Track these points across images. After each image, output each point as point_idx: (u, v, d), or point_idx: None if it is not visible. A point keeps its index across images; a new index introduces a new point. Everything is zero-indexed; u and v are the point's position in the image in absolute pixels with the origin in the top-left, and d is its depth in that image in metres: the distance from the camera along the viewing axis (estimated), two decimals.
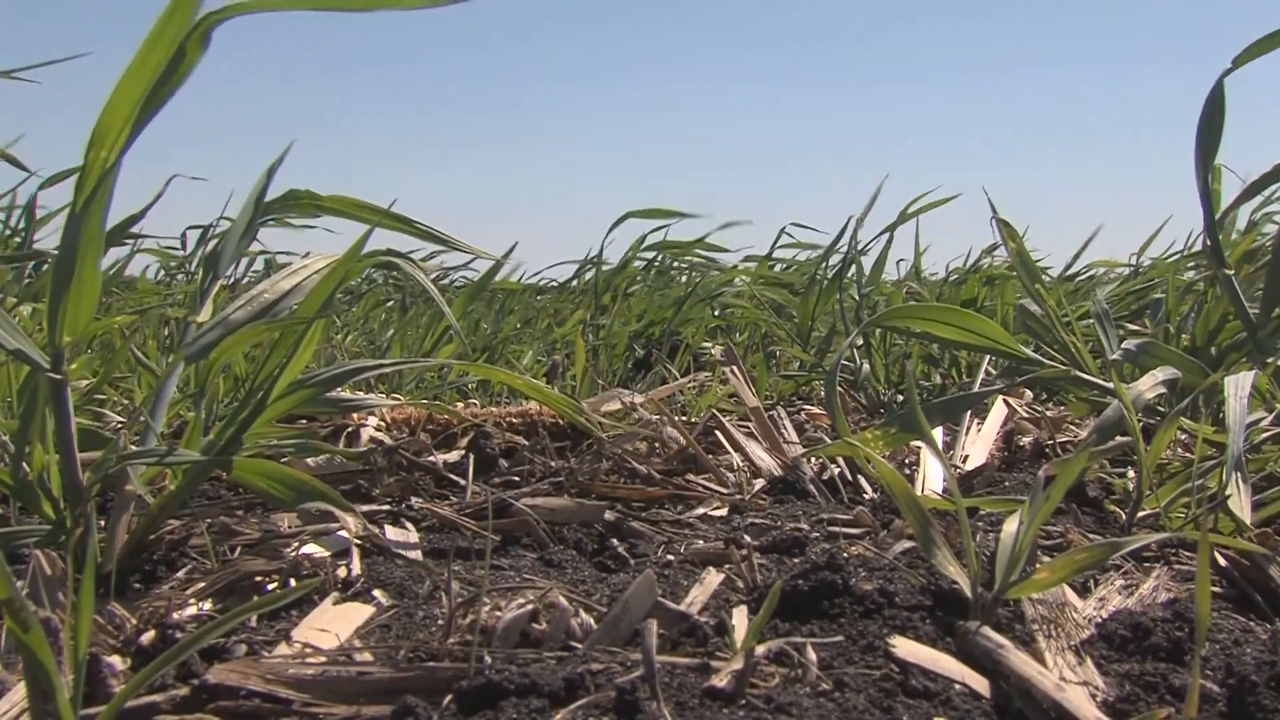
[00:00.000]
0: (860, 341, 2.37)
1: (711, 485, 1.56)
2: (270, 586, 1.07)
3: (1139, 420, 1.39)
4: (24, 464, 1.10)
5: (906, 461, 1.75)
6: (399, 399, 1.97)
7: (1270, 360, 1.77)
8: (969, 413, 1.82)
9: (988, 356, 2.16)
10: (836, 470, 1.64)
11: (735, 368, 1.98)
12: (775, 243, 4.00)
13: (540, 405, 1.78)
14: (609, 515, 1.32)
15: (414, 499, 1.40)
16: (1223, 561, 1.20)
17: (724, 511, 1.45)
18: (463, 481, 1.49)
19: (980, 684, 0.87)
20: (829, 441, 1.72)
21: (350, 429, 1.70)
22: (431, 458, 1.57)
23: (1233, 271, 1.90)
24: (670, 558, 1.23)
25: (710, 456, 1.66)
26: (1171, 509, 1.37)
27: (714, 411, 1.84)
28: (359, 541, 1.19)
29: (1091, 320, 1.95)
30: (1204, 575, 0.74)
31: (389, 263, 1.62)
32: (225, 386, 1.76)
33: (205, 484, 1.42)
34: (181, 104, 0.99)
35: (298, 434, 1.45)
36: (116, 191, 1.01)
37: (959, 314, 1.63)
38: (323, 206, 1.43)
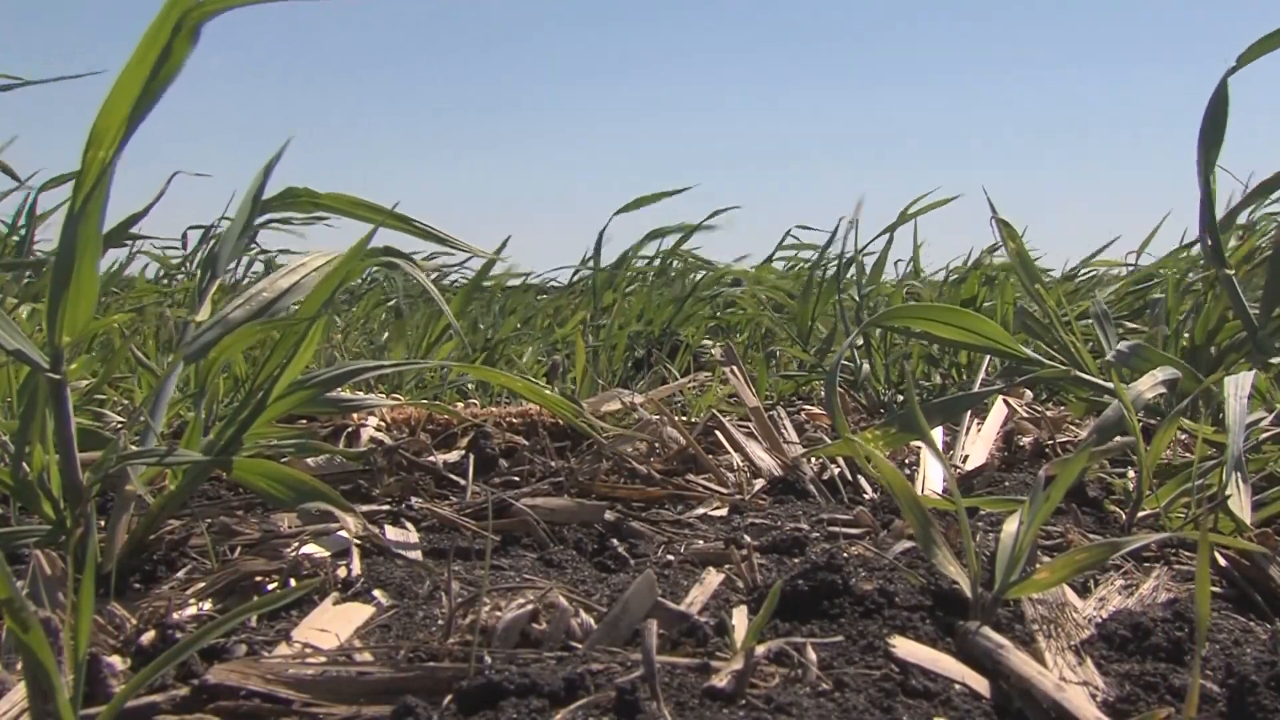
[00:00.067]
0: (860, 341, 2.37)
1: (711, 485, 1.56)
2: (270, 586, 1.07)
3: (1139, 420, 1.39)
4: (24, 464, 1.10)
5: (906, 461, 1.75)
6: (399, 399, 1.97)
7: (1271, 361, 1.77)
8: (969, 413, 1.82)
9: (988, 356, 2.16)
10: (836, 470, 1.64)
11: (735, 368, 1.98)
12: (780, 244, 4.00)
13: (540, 405, 1.78)
14: (609, 515, 1.32)
15: (414, 499, 1.40)
16: (1223, 561, 1.20)
17: (724, 511, 1.45)
18: (463, 481, 1.49)
19: (980, 684, 0.87)
20: (829, 441, 1.72)
21: (350, 429, 1.71)
22: (431, 458, 1.57)
23: (1233, 271, 1.90)
24: (670, 558, 1.23)
25: (710, 456, 1.66)
26: (1171, 509, 1.37)
27: (714, 411, 1.84)
28: (359, 541, 1.19)
29: (1091, 320, 1.95)
30: (1204, 575, 0.74)
31: (389, 262, 1.62)
32: (225, 386, 1.76)
33: (205, 484, 1.42)
34: (184, 104, 1.00)
35: (298, 434, 1.46)
36: (117, 192, 1.01)
37: (959, 314, 1.63)
38: (320, 204, 1.43)
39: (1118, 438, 1.45)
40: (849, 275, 2.82)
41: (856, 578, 1.03)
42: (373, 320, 3.53)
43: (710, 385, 2.16)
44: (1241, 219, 2.62)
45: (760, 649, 0.87)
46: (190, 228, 3.72)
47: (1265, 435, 1.49)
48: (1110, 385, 1.57)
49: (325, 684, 0.82)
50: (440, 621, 0.99)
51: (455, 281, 4.19)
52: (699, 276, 3.62)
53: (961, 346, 2.02)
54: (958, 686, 0.86)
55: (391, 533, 1.23)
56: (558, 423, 1.79)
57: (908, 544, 1.19)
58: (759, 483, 1.59)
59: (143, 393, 1.72)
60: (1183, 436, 1.79)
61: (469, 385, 2.30)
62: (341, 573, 1.10)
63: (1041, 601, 1.01)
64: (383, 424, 1.74)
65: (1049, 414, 2.01)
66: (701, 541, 1.29)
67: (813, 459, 1.66)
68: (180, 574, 1.11)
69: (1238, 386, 1.38)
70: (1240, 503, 1.23)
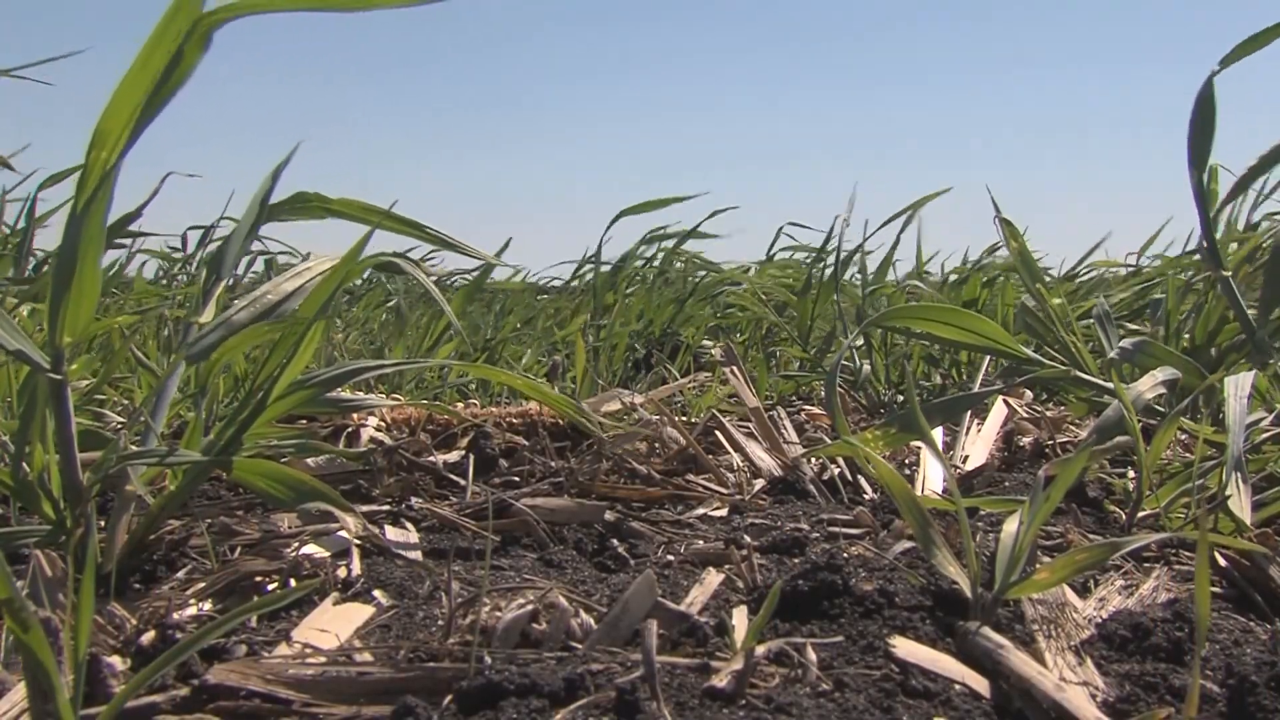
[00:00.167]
0: (860, 341, 2.37)
1: (711, 485, 1.56)
2: (270, 587, 1.07)
3: (1139, 420, 1.39)
4: (24, 464, 1.10)
5: (906, 461, 1.75)
6: (399, 399, 1.97)
7: (1270, 361, 1.77)
8: (969, 413, 1.82)
9: (988, 357, 2.16)
10: (836, 470, 1.64)
11: (735, 368, 1.98)
12: (774, 243, 4.01)
13: (540, 405, 1.78)
14: (609, 515, 1.33)
15: (414, 499, 1.40)
16: (1223, 561, 1.20)
17: (724, 512, 1.45)
18: (463, 481, 1.49)
19: (980, 684, 0.87)
20: (829, 441, 1.72)
21: (350, 429, 1.71)
22: (431, 458, 1.57)
23: (1230, 273, 1.90)
24: (670, 558, 1.23)
25: (710, 456, 1.66)
26: (1171, 509, 1.37)
27: (714, 411, 1.84)
28: (359, 542, 1.19)
29: (1092, 320, 1.95)
30: (1204, 575, 0.74)
31: (391, 263, 1.62)
32: (225, 387, 1.76)
33: (205, 484, 1.42)
34: (187, 104, 0.99)
35: (298, 434, 1.46)
36: (120, 192, 1.01)
37: (959, 314, 1.63)
38: (331, 209, 1.43)
39: (1118, 438, 1.45)
40: (848, 275, 2.82)
41: (856, 578, 1.03)
42: (373, 320, 3.53)
43: (710, 385, 2.16)
44: (1242, 220, 2.62)
45: (760, 649, 0.87)
46: (190, 228, 3.72)
47: (1265, 435, 1.49)
48: (1110, 385, 1.57)
49: (325, 684, 0.82)
50: (440, 621, 0.99)
51: (454, 282, 4.19)
52: (700, 277, 3.62)
53: (962, 347, 2.02)
54: (958, 686, 0.86)
55: (391, 533, 1.23)
56: (558, 423, 1.79)
57: (908, 544, 1.19)
58: (759, 483, 1.59)
59: (143, 393, 1.72)
60: (1183, 436, 1.79)
61: (469, 385, 2.30)
62: (341, 573, 1.10)
63: (1041, 601, 1.01)
64: (383, 424, 1.74)
65: (1049, 414, 2.01)
66: (701, 541, 1.29)
67: (813, 459, 1.66)
68: (180, 574, 1.11)
69: (1238, 387, 1.38)
70: (1240, 503, 1.23)
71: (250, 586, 1.07)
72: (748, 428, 1.81)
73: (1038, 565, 1.00)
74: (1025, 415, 1.99)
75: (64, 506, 1.09)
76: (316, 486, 1.15)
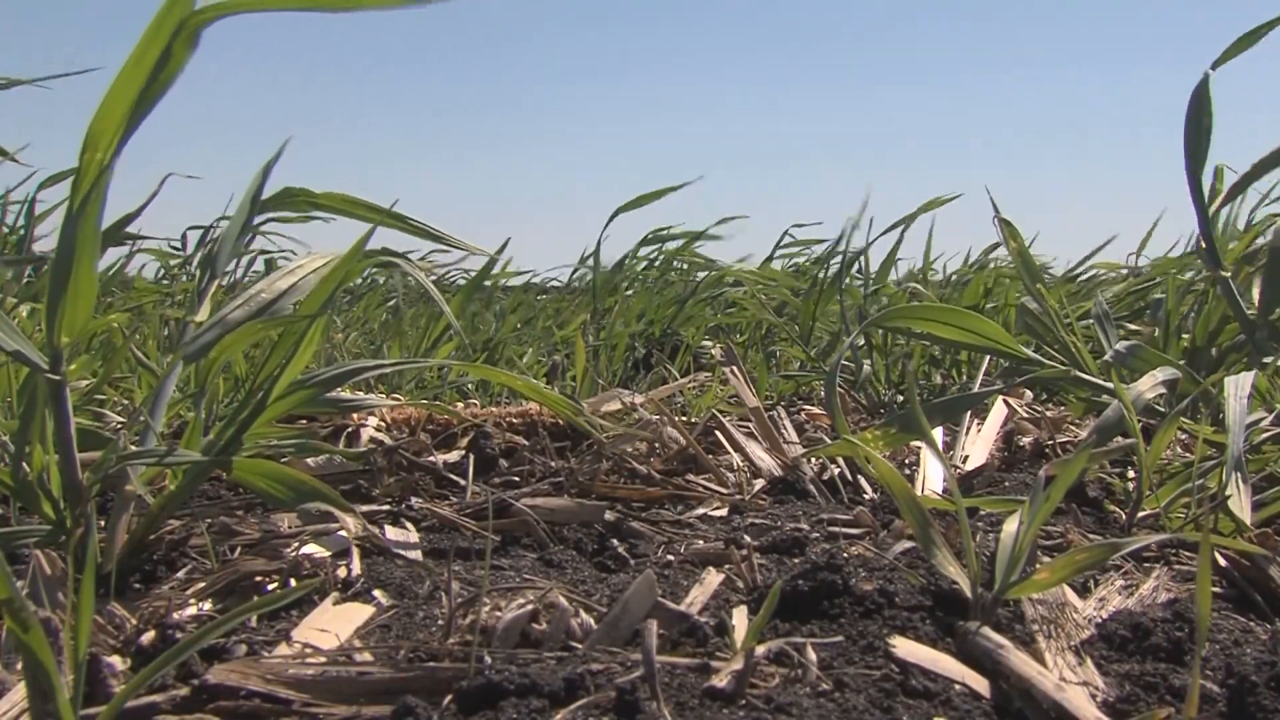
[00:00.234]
0: (861, 341, 2.37)
1: (711, 485, 1.56)
2: (270, 586, 1.07)
3: (1139, 420, 1.39)
4: (24, 464, 1.10)
5: (906, 461, 1.75)
6: (399, 399, 1.97)
7: (1269, 361, 1.77)
8: (969, 413, 1.82)
9: (988, 357, 2.16)
10: (836, 470, 1.64)
11: (735, 368, 1.98)
12: (778, 244, 4.00)
13: (540, 405, 1.78)
14: (609, 515, 1.32)
15: (414, 499, 1.40)
16: (1223, 561, 1.20)
17: (724, 511, 1.45)
18: (463, 481, 1.49)
19: (980, 684, 0.87)
20: (829, 441, 1.72)
21: (350, 429, 1.71)
22: (431, 458, 1.57)
23: (1229, 273, 1.90)
24: (670, 558, 1.23)
25: (710, 456, 1.66)
26: (1171, 509, 1.37)
27: (714, 411, 1.84)
28: (359, 541, 1.19)
29: (1091, 320, 1.95)
30: (1204, 575, 0.74)
31: (388, 262, 1.62)
32: (225, 386, 1.76)
33: (205, 484, 1.42)
34: (186, 104, 0.99)
35: (298, 434, 1.45)
36: (119, 193, 1.01)
37: (960, 314, 1.63)
38: (318, 204, 1.43)
39: (1118, 438, 1.45)
40: (850, 276, 2.82)
41: (856, 578, 1.03)
42: (373, 320, 3.53)
43: (710, 385, 2.16)
44: (1242, 220, 2.62)
45: (760, 649, 0.87)
46: (189, 228, 3.73)
47: (1265, 435, 1.49)
48: (1110, 385, 1.57)
49: (325, 684, 0.82)
50: (440, 621, 0.99)
51: (454, 281, 4.19)
52: (701, 277, 3.62)
53: (963, 347, 2.02)
54: (958, 686, 0.86)
55: (391, 533, 1.23)
56: (558, 423, 1.79)
57: (908, 544, 1.19)
58: (759, 483, 1.59)
59: (142, 393, 1.72)
60: (1183, 437, 1.79)
61: (469, 385, 2.30)
62: (341, 573, 1.10)
63: (1041, 601, 1.01)
64: (383, 424, 1.74)
65: (1049, 414, 2.01)
66: (701, 541, 1.29)
67: (813, 459, 1.66)
68: (180, 574, 1.10)
69: (1237, 387, 1.38)
70: (1240, 503, 1.23)
71: (250, 586, 1.07)
72: (748, 428, 1.81)
73: (1038, 565, 1.00)
74: (1025, 415, 1.99)
75: (64, 506, 1.09)
76: (316, 486, 1.15)
